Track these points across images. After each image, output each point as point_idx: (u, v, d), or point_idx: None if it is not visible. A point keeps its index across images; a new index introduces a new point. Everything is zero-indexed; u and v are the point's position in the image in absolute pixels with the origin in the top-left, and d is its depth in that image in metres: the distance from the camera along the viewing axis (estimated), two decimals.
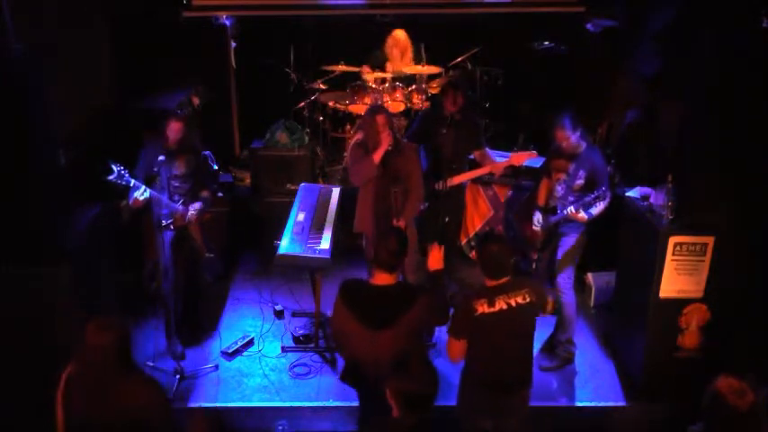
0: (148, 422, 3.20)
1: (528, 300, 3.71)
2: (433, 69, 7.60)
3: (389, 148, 4.90)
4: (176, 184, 5.02)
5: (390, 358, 3.46)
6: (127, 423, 3.18)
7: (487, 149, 5.73)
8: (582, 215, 4.79)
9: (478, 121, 6.08)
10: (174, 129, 4.90)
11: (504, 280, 3.73)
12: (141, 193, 4.67)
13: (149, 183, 4.76)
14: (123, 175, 4.58)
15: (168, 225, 4.85)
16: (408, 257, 3.94)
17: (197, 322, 5.63)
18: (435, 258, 3.85)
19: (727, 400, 2.91)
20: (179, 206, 5.02)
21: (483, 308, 3.66)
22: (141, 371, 3.46)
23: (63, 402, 3.22)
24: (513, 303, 3.68)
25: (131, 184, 4.64)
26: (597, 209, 4.81)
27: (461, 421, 3.99)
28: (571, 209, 4.80)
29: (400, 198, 4.98)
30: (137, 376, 3.31)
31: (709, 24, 4.60)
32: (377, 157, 4.90)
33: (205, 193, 5.22)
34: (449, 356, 3.87)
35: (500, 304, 3.67)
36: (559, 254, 5.08)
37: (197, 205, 5.11)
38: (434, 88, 7.46)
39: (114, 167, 4.56)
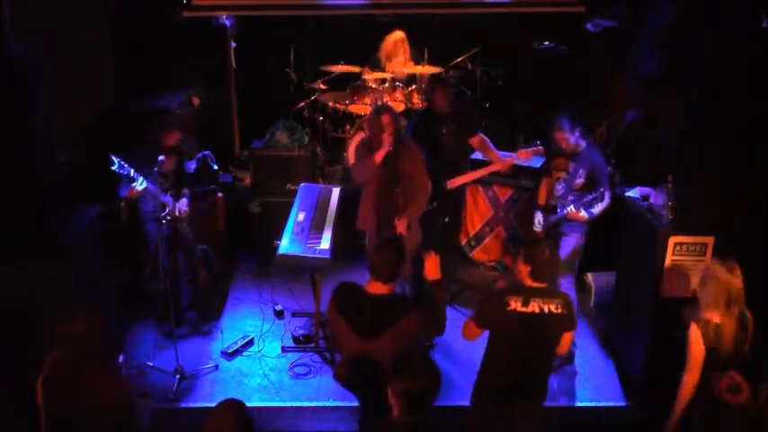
0: (110, 418, 3.23)
1: (560, 311, 3.67)
2: (433, 69, 7.60)
3: (390, 148, 4.91)
4: (161, 180, 5.18)
5: (384, 363, 3.38)
6: (93, 416, 3.21)
7: (485, 137, 5.74)
8: (583, 214, 4.78)
9: (473, 110, 6.06)
10: (175, 137, 5.30)
11: (542, 285, 3.72)
12: (139, 184, 4.95)
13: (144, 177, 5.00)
14: (123, 166, 4.87)
15: (164, 217, 4.91)
16: (414, 267, 3.86)
17: (197, 316, 5.71)
18: (432, 268, 3.70)
19: (718, 392, 2.91)
20: (170, 199, 5.22)
21: (516, 305, 3.63)
22: (111, 366, 3.50)
23: (43, 394, 3.28)
24: (546, 310, 3.65)
25: (131, 174, 4.90)
26: (598, 208, 4.81)
27: (473, 423, 3.95)
28: (571, 208, 4.80)
29: (402, 198, 4.98)
30: (104, 370, 3.33)
31: (708, 24, 4.60)
32: (378, 157, 4.91)
33: (185, 190, 5.47)
34: (462, 333, 3.85)
35: (533, 306, 3.64)
36: (560, 254, 5.08)
37: (185, 200, 5.38)
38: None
39: (115, 159, 4.83)
